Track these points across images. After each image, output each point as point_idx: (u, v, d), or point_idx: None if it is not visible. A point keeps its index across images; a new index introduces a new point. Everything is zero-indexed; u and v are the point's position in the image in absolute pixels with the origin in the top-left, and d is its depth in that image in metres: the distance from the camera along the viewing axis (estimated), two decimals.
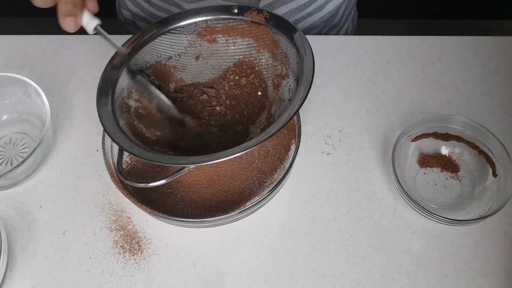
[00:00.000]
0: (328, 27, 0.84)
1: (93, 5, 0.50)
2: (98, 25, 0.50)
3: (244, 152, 0.46)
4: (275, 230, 0.60)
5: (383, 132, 0.66)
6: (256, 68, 0.59)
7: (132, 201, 0.54)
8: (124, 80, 0.55)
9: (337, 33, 0.88)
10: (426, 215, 0.57)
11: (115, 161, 0.59)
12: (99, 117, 0.51)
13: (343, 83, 0.70)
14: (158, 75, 0.59)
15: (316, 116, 0.67)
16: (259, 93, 0.58)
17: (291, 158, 0.57)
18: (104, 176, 0.63)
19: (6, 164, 0.64)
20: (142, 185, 0.51)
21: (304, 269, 0.57)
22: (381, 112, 0.68)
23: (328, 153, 0.65)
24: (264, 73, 0.58)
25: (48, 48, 0.74)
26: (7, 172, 0.57)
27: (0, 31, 0.78)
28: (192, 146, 0.56)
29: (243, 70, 0.59)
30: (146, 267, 0.57)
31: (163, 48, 0.58)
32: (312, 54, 0.51)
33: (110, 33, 0.72)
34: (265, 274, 0.57)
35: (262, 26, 0.56)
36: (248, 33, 0.57)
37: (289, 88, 0.55)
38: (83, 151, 0.65)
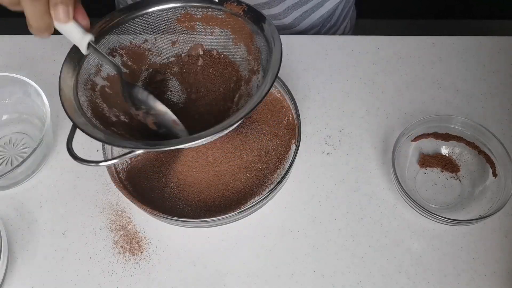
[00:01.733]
0: (327, 26, 0.84)
1: (84, 20, 0.47)
2: (91, 40, 0.49)
3: (193, 143, 0.46)
4: (275, 230, 0.60)
5: (383, 132, 0.66)
6: (231, 60, 0.59)
7: (132, 201, 0.54)
8: (93, 57, 0.54)
9: (335, 32, 0.88)
10: (426, 215, 0.57)
11: (115, 161, 0.59)
12: (59, 91, 0.50)
13: (343, 83, 0.70)
14: (131, 57, 0.58)
15: (316, 116, 0.67)
16: (231, 85, 0.58)
17: (291, 158, 0.57)
18: (104, 176, 0.63)
19: (6, 164, 0.64)
20: (93, 164, 0.49)
21: (304, 269, 0.57)
22: (381, 112, 0.68)
23: (328, 153, 0.65)
24: (239, 66, 0.58)
25: (48, 48, 0.74)
26: (7, 172, 0.57)
27: (0, 31, 0.78)
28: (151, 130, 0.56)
29: (218, 61, 0.59)
30: (146, 267, 0.57)
31: (140, 29, 0.57)
32: (281, 51, 0.50)
33: None
34: (265, 274, 0.57)
35: (239, 18, 0.55)
36: (226, 24, 0.57)
37: (257, 84, 0.54)
38: (83, 151, 0.65)
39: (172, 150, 0.59)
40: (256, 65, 0.55)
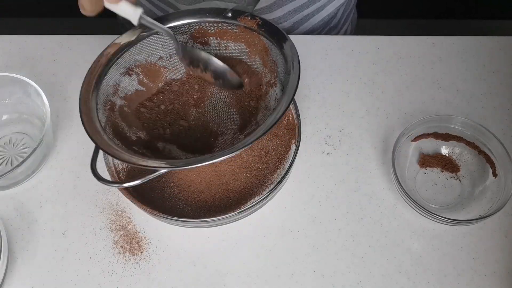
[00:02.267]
0: (327, 29, 0.84)
1: None
2: (142, 13, 0.51)
3: (215, 160, 0.46)
4: (275, 230, 0.60)
5: (383, 132, 0.66)
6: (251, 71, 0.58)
7: (132, 201, 0.54)
8: (111, 77, 0.55)
9: (336, 34, 0.88)
10: (426, 215, 0.57)
11: (115, 161, 0.59)
12: (80, 113, 0.51)
13: (343, 83, 0.70)
14: (147, 74, 0.58)
15: (316, 116, 0.67)
16: (249, 99, 0.58)
17: (291, 158, 0.57)
18: (104, 176, 0.62)
19: (6, 164, 0.64)
20: (116, 185, 0.52)
21: (304, 269, 0.57)
22: (381, 112, 0.68)
23: (328, 153, 0.65)
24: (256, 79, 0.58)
25: (48, 48, 0.74)
26: (7, 172, 0.57)
27: (0, 31, 0.78)
28: (172, 146, 0.57)
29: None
30: (146, 267, 0.57)
31: (154, 47, 0.58)
32: (299, 65, 0.51)
33: (109, 33, 0.73)
34: (265, 274, 0.57)
35: (254, 32, 0.56)
36: (240, 38, 0.57)
37: (275, 97, 0.54)
38: (83, 151, 0.65)
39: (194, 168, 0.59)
40: (272, 78, 0.55)
